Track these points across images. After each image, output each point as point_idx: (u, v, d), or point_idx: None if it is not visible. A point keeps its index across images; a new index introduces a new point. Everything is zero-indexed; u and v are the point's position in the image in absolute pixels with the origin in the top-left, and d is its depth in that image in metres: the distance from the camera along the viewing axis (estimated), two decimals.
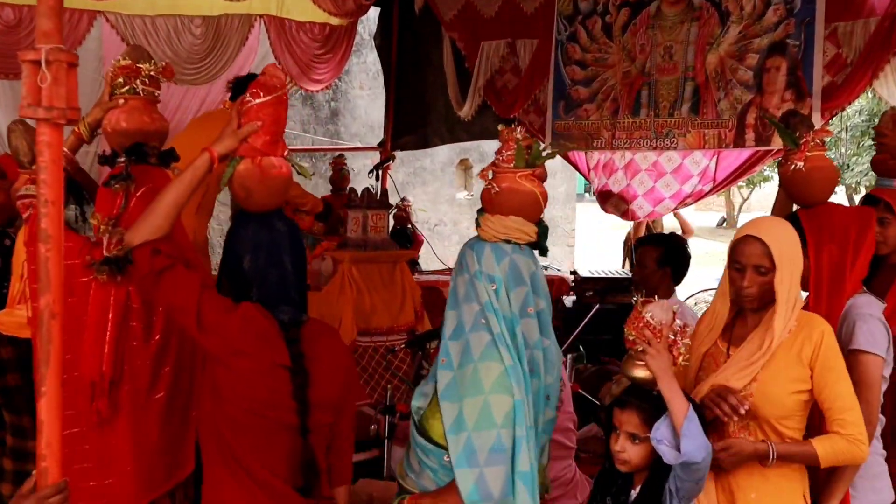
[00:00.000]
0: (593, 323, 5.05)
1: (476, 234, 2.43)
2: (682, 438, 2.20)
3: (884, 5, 3.99)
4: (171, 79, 2.81)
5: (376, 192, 5.01)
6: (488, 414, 2.21)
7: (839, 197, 22.87)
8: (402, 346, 4.10)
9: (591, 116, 5.21)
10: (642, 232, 6.85)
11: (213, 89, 5.49)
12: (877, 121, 3.40)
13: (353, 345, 4.31)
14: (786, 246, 2.44)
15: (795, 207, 3.14)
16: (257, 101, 2.36)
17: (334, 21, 6.06)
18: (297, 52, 5.91)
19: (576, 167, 6.58)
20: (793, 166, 3.00)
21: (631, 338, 2.35)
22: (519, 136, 2.35)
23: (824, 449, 2.39)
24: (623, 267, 7.66)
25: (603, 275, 5.94)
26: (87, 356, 2.57)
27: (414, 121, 6.63)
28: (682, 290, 4.25)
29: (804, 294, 2.75)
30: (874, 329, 2.76)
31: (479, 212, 2.42)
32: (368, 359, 4.32)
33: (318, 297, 4.37)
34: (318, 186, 10.75)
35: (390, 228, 5.17)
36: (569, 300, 6.54)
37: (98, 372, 2.58)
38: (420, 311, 4.70)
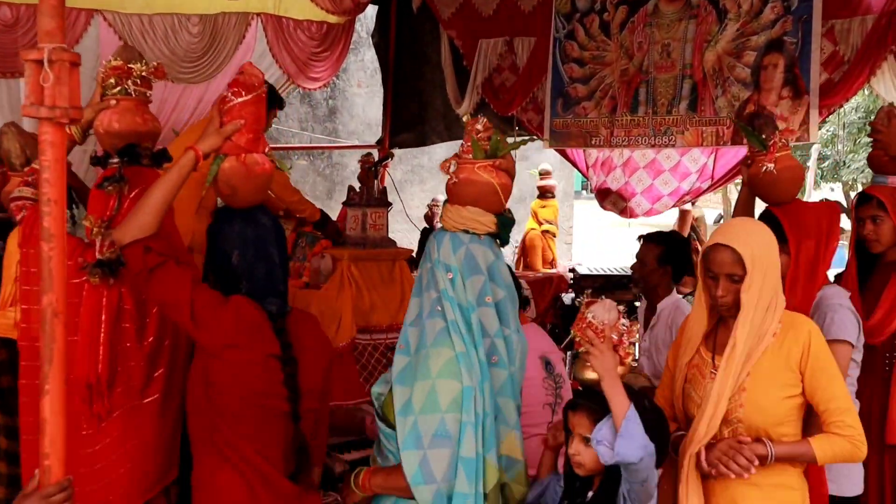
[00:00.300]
0: None
1: None
2: (618, 438, 2.16)
3: (880, 3, 4.00)
4: (162, 79, 2.82)
5: (375, 190, 5.01)
6: (434, 398, 2.23)
7: (836, 194, 22.95)
8: None
9: (590, 114, 5.21)
10: (686, 231, 6.74)
11: (211, 88, 5.48)
12: (874, 118, 3.43)
13: (353, 342, 4.31)
14: (758, 250, 2.36)
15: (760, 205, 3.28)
16: (239, 99, 2.42)
17: (332, 19, 6.06)
18: (294, 50, 5.90)
19: (574, 165, 6.59)
20: (763, 168, 3.11)
21: (577, 339, 2.34)
22: (480, 126, 2.38)
23: (822, 449, 2.34)
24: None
25: (602, 272, 5.94)
26: (81, 358, 2.59)
27: (412, 119, 6.63)
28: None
29: None
30: (845, 318, 2.96)
31: (444, 202, 2.47)
32: (368, 356, 4.32)
33: (317, 294, 4.37)
34: (317, 185, 10.75)
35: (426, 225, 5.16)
36: (567, 297, 6.56)
37: (94, 374, 2.59)
38: None
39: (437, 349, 2.28)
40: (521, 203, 11.54)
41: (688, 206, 6.55)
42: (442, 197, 9.76)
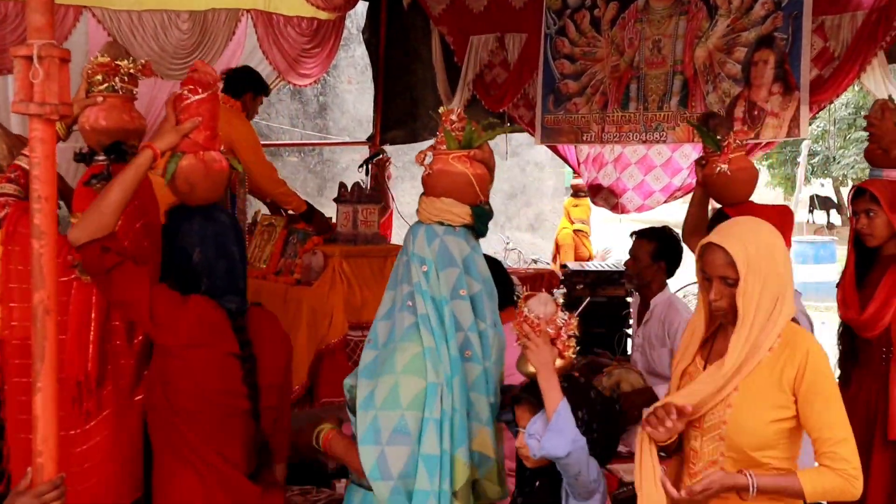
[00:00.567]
0: (584, 316, 5.05)
1: None
2: (546, 432, 2.14)
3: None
4: (150, 76, 2.82)
5: (366, 187, 5.01)
6: (396, 395, 2.22)
7: (826, 189, 23.02)
8: None
9: (581, 110, 5.21)
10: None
11: None
12: (864, 114, 3.44)
13: (345, 339, 4.31)
14: (753, 250, 2.15)
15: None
16: (195, 97, 2.42)
17: (322, 15, 6.05)
18: (284, 46, 5.89)
19: (565, 161, 6.59)
20: (717, 168, 3.12)
21: (517, 333, 2.33)
22: (455, 118, 2.37)
23: (812, 485, 2.12)
24: None
25: (593, 268, 5.95)
26: (71, 356, 2.58)
27: (403, 115, 6.61)
28: (672, 283, 4.26)
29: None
30: (802, 322, 2.99)
31: (421, 195, 2.46)
32: (360, 353, 4.32)
33: (308, 291, 4.37)
34: (308, 181, 10.73)
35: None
36: (559, 293, 6.56)
37: (83, 372, 2.59)
38: None
39: (404, 344, 2.27)
40: (553, 199, 11.42)
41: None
42: (401, 192, 9.71)
